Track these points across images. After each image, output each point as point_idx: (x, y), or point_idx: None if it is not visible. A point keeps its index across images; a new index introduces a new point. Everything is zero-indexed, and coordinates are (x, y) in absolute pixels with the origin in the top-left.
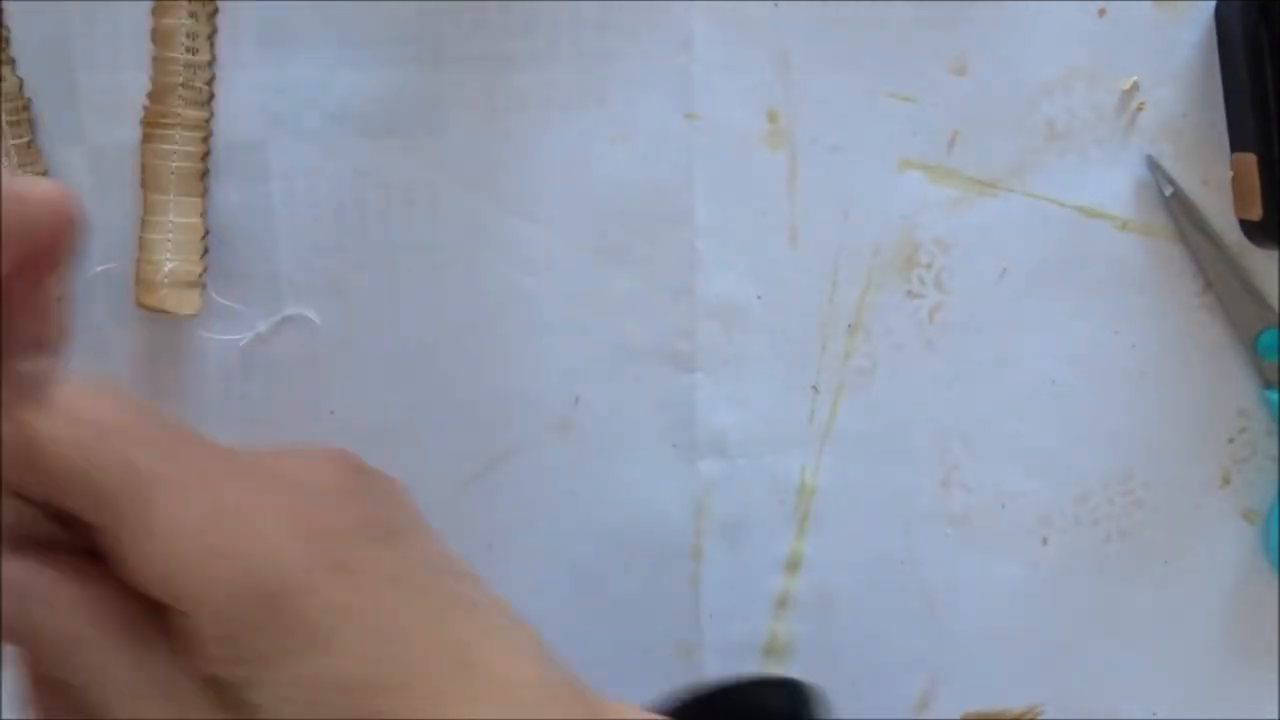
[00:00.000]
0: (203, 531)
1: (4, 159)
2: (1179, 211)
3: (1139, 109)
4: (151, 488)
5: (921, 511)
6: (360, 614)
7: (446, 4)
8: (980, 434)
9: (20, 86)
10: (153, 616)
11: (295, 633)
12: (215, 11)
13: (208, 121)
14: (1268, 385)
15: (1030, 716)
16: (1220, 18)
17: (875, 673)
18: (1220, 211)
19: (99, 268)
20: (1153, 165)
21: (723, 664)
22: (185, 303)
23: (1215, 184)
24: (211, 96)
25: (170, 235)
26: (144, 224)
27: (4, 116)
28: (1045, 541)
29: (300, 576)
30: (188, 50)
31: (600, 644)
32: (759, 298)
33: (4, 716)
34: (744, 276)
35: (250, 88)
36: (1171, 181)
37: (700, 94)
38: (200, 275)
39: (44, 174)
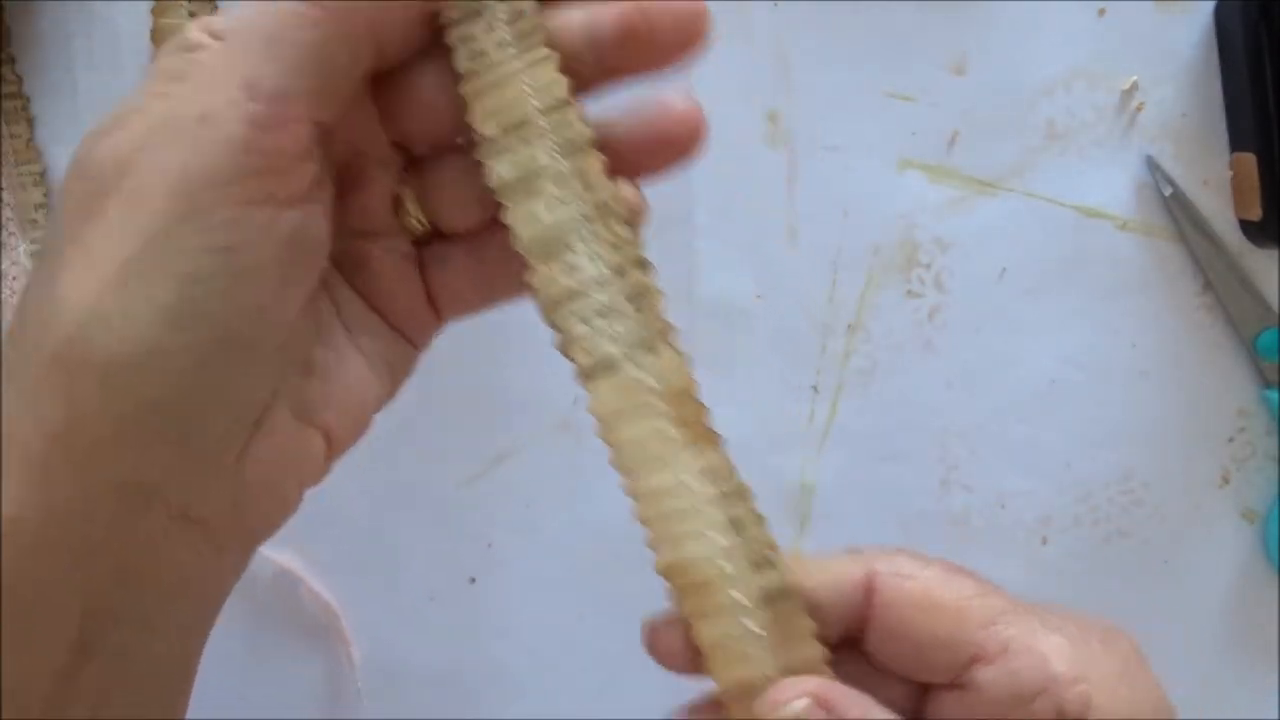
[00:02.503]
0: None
1: (3, 158)
2: (1179, 211)
3: (1139, 109)
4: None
5: (921, 511)
6: None
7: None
8: (980, 434)
9: (19, 85)
10: None
11: None
12: (215, 12)
13: None
14: (1267, 385)
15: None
16: (1220, 18)
17: None
18: (1220, 211)
19: None
20: (1152, 165)
21: None
22: None
23: (1215, 184)
24: None
25: None
26: None
27: (3, 115)
28: (1045, 541)
29: None
30: None
31: (600, 644)
32: (759, 298)
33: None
34: (744, 276)
35: None
36: (1171, 181)
37: (700, 94)
38: None
39: (41, 173)
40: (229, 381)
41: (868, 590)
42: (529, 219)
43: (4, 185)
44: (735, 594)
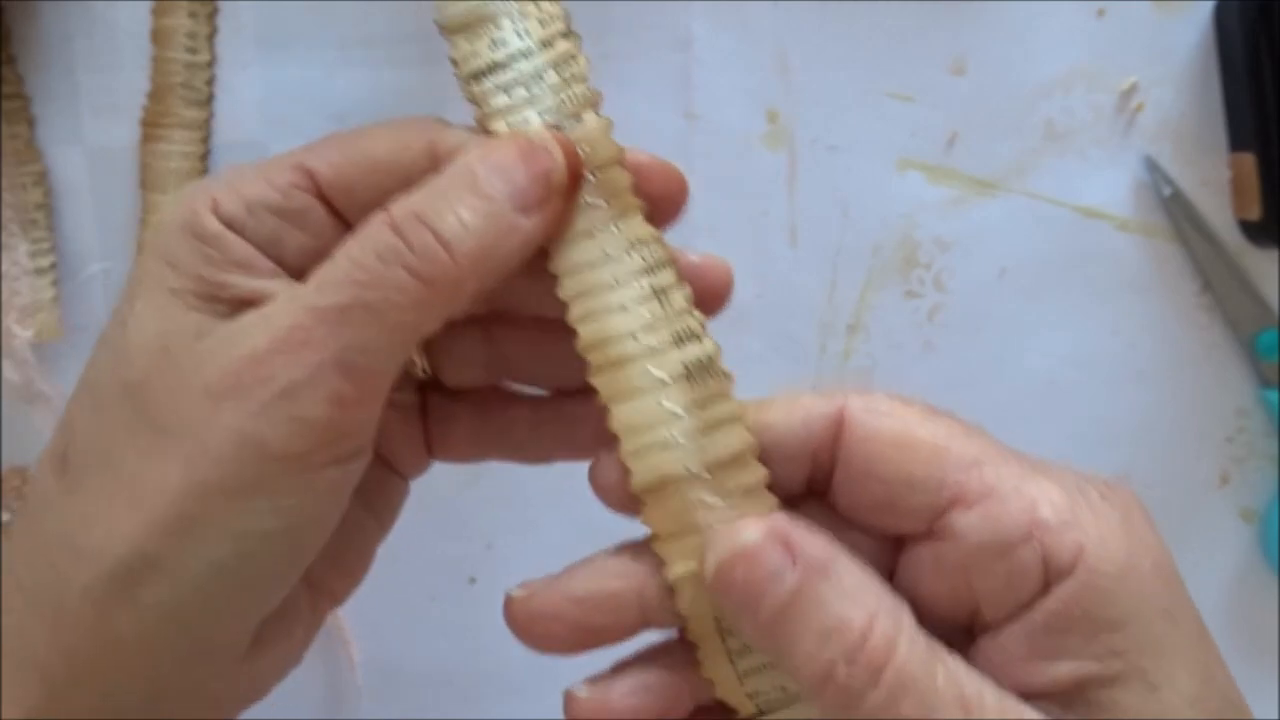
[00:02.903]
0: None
1: (3, 158)
2: (1178, 212)
3: (1138, 109)
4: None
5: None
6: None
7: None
8: None
9: (19, 85)
10: None
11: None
12: (215, 11)
13: (207, 121)
14: (1266, 385)
15: None
16: (1219, 18)
17: None
18: (1219, 211)
19: (98, 267)
20: (1152, 165)
21: None
22: None
23: (1214, 184)
24: (211, 96)
25: None
26: (143, 224)
27: (3, 115)
28: None
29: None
30: (188, 50)
31: None
32: (759, 298)
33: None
34: (744, 276)
35: (250, 88)
36: (1170, 182)
37: (700, 94)
38: None
39: (41, 173)
40: (265, 601)
41: (837, 427)
42: None
43: (4, 185)
44: (652, 369)
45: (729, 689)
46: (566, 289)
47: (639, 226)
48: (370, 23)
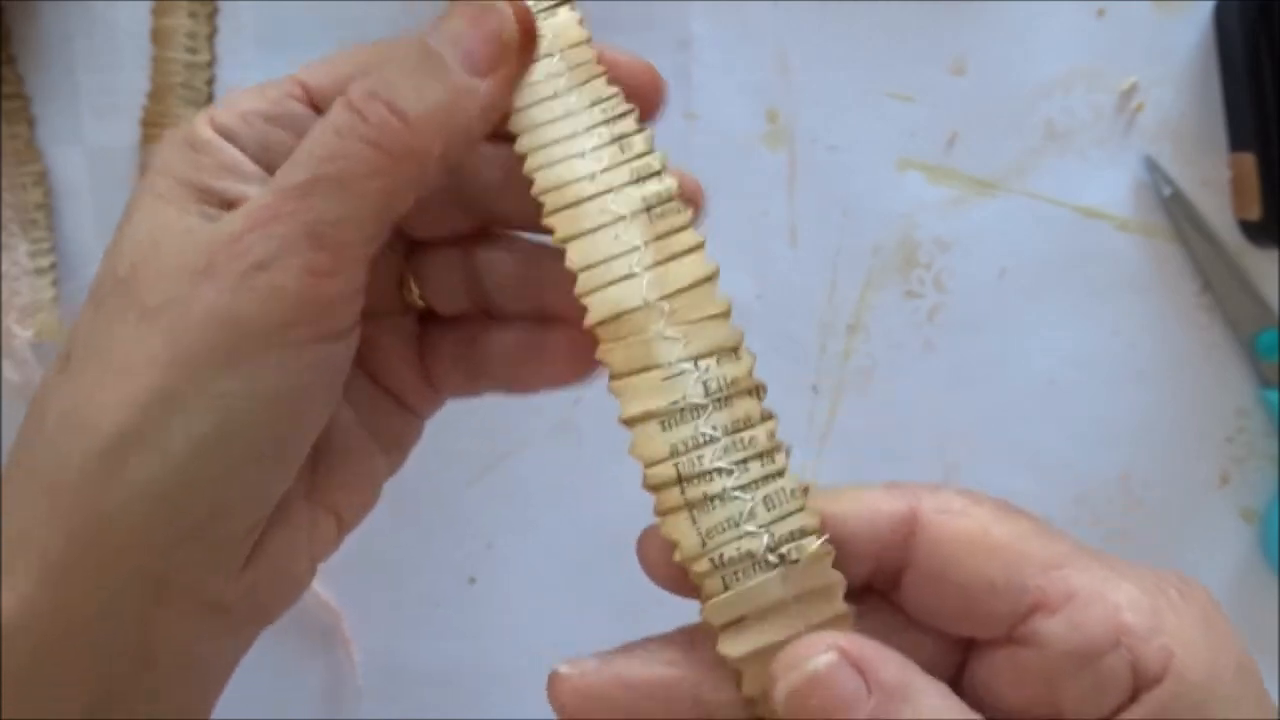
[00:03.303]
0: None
1: (3, 158)
2: (1178, 212)
3: (1138, 109)
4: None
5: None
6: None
7: (445, 4)
8: (980, 434)
9: (19, 85)
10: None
11: None
12: (215, 11)
13: None
14: (1266, 385)
15: None
16: (1219, 18)
17: None
18: (1219, 211)
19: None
20: (1152, 165)
21: None
22: None
23: (1214, 184)
24: (211, 97)
25: None
26: None
27: (3, 115)
28: None
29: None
30: (188, 50)
31: (600, 644)
32: (759, 298)
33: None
34: (744, 276)
35: None
36: (1170, 182)
37: (700, 93)
38: None
39: (41, 173)
40: (255, 488)
41: (908, 528)
42: None
43: (4, 185)
44: (610, 204)
45: None
46: (524, 143)
47: (601, 88)
48: (370, 23)
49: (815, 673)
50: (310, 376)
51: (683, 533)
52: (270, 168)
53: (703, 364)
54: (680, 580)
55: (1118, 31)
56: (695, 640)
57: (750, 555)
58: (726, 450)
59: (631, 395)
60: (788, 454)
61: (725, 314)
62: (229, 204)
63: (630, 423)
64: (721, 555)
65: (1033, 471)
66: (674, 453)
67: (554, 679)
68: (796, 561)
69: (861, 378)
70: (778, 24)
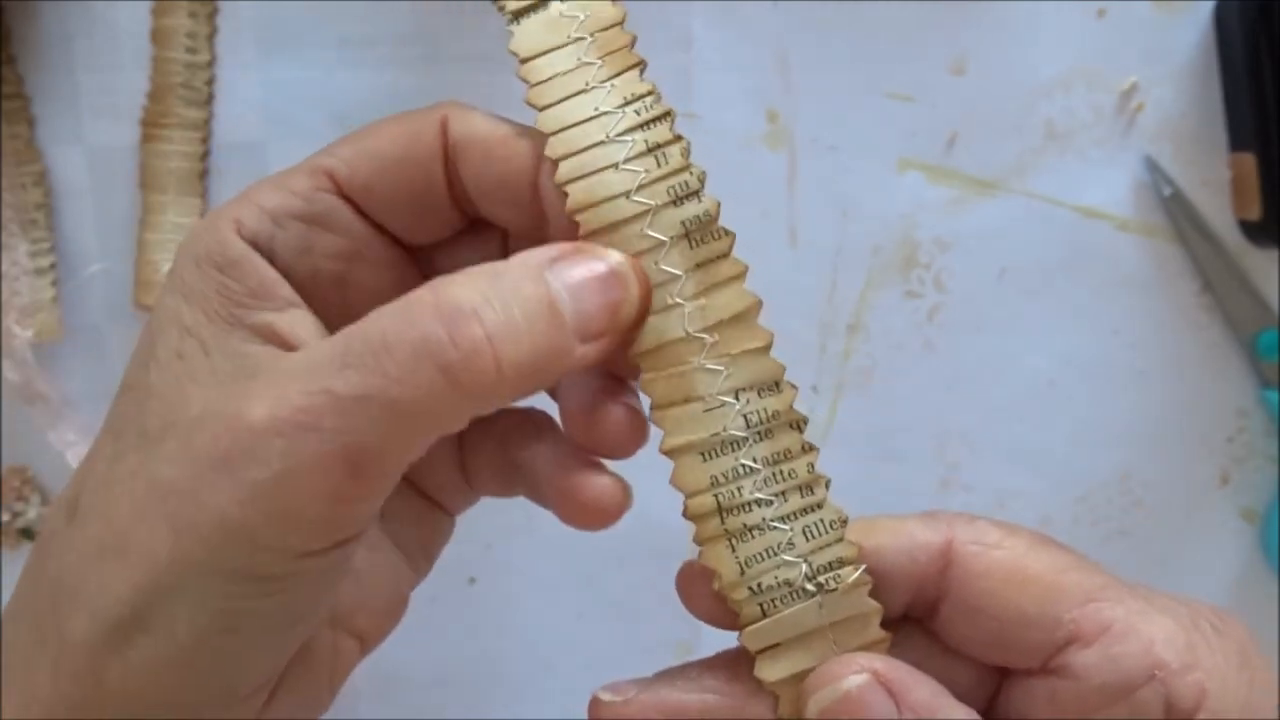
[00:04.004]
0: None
1: (3, 158)
2: (1178, 212)
3: (1138, 109)
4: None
5: (921, 511)
6: None
7: (446, 4)
8: (980, 434)
9: (19, 85)
10: None
11: None
12: (215, 11)
13: (207, 121)
14: (1266, 385)
15: None
16: (1219, 18)
17: None
18: (1219, 211)
19: (98, 267)
20: (1152, 165)
21: None
22: None
23: (1214, 184)
24: (211, 97)
25: (169, 235)
26: (143, 224)
27: (3, 115)
28: None
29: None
30: (188, 50)
31: (600, 644)
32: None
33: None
34: None
35: (250, 88)
36: (1170, 182)
37: (700, 94)
38: None
39: (41, 173)
40: (264, 660)
41: (945, 560)
42: None
43: (4, 185)
44: (649, 230)
45: None
46: (555, 148)
47: (635, 83)
48: (370, 23)
49: (848, 692)
50: (320, 573)
51: (722, 561)
52: (309, 272)
53: (744, 397)
54: (717, 612)
55: (1118, 31)
56: (736, 666)
57: (788, 584)
58: (766, 482)
59: (673, 426)
60: (827, 485)
61: (767, 347)
62: (266, 334)
63: (671, 453)
64: (760, 583)
65: (1033, 471)
66: (714, 484)
67: (595, 705)
68: (834, 590)
69: (861, 378)
70: (778, 24)
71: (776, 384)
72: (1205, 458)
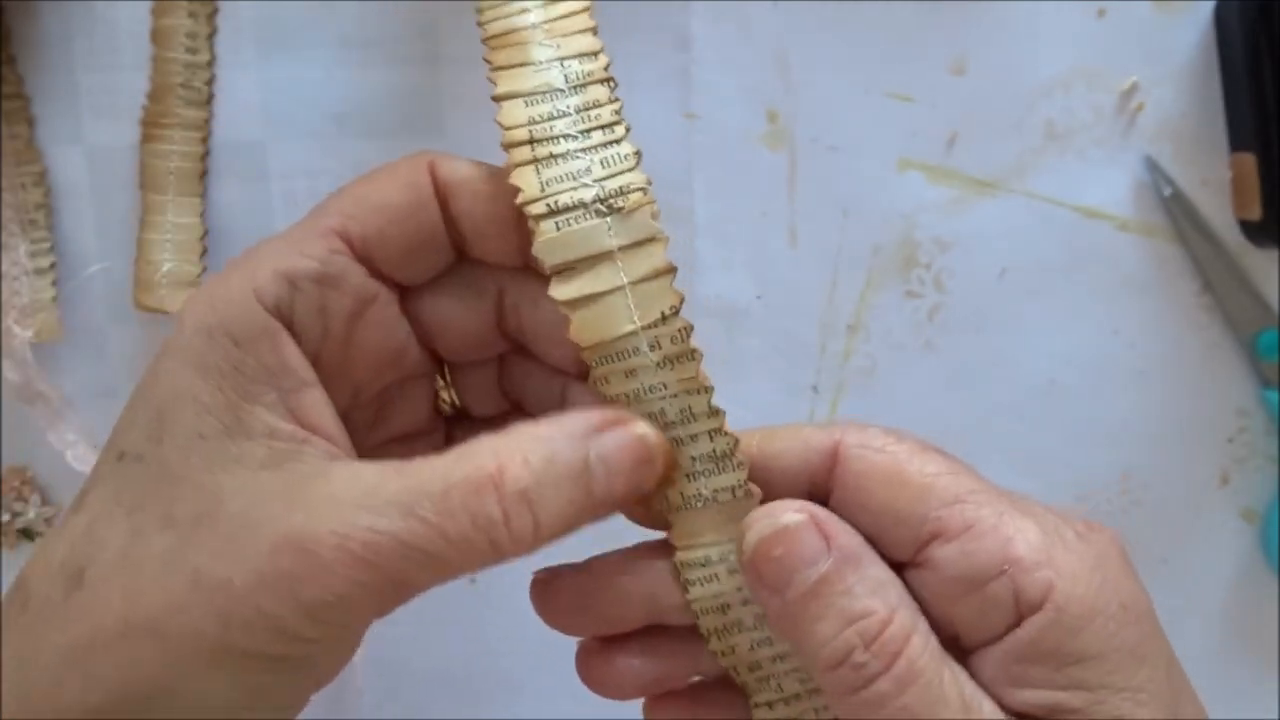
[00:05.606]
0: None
1: (3, 158)
2: (1178, 212)
3: (1138, 109)
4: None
5: None
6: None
7: (446, 4)
8: (980, 434)
9: (19, 85)
10: None
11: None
12: (215, 11)
13: (207, 121)
14: (1267, 385)
15: None
16: (1219, 18)
17: None
18: (1220, 211)
19: (98, 267)
20: (1152, 165)
21: None
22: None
23: (1215, 184)
24: (211, 97)
25: (169, 235)
26: (143, 224)
27: (3, 115)
28: None
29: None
30: (188, 50)
31: None
32: (759, 298)
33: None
34: (744, 276)
35: (250, 88)
36: (1170, 182)
37: (699, 93)
38: (199, 275)
39: (41, 173)
40: (298, 699)
41: (833, 460)
42: None
43: (4, 185)
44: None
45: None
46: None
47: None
48: (370, 23)
49: (785, 527)
50: (308, 670)
51: (527, 181)
52: (320, 333)
53: (568, 63)
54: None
55: (1118, 31)
56: (652, 551)
57: (581, 203)
58: (575, 124)
59: (504, 80)
60: (628, 129)
61: (594, 29)
62: (285, 417)
63: (499, 99)
64: (556, 201)
65: (1033, 471)
66: (531, 121)
67: (532, 583)
68: (621, 209)
69: (861, 378)
70: (778, 24)
71: (595, 54)
72: (1205, 458)
